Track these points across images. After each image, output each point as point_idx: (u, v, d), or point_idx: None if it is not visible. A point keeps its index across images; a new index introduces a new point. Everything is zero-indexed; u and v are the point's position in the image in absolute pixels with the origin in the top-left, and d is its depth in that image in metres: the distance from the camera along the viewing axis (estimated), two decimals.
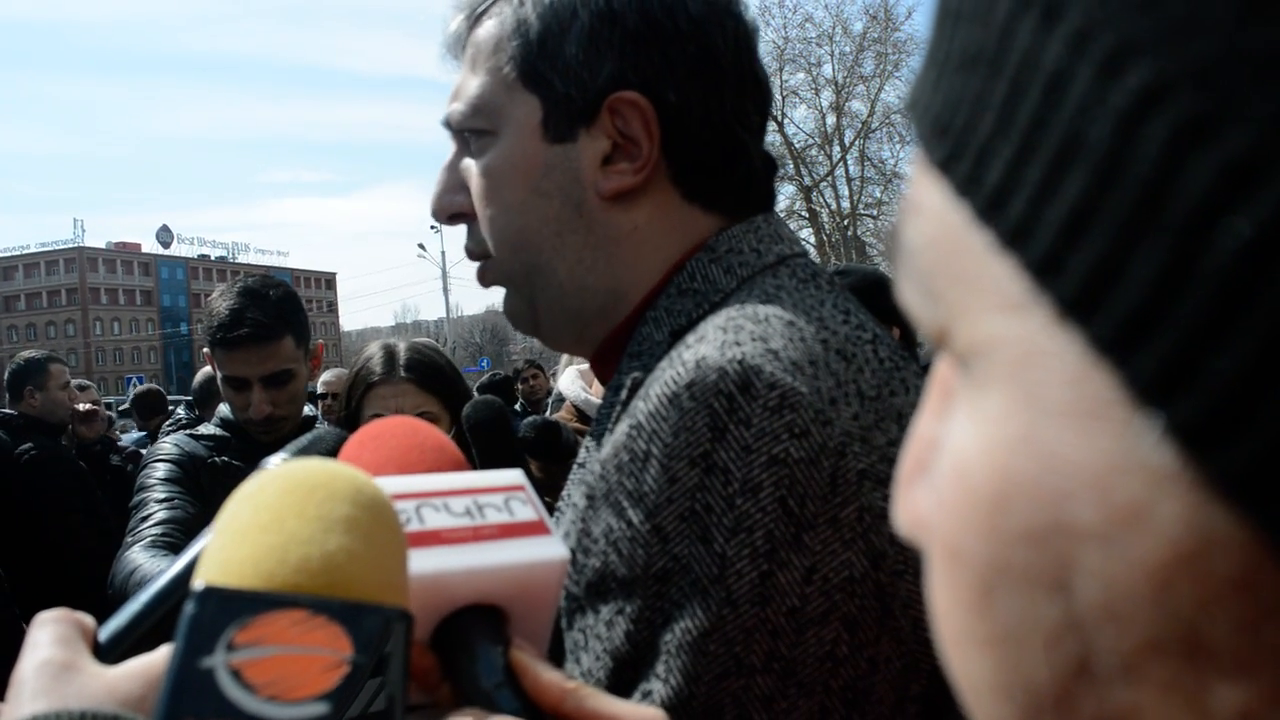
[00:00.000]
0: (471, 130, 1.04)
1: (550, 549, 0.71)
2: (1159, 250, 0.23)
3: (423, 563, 0.66)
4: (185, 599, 0.59)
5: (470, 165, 1.05)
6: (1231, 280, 0.22)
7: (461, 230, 1.13)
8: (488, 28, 1.03)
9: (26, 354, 5.64)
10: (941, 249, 0.29)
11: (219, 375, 2.65)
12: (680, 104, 0.98)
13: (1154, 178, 0.23)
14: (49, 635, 0.64)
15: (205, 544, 0.73)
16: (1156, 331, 0.23)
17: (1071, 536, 0.25)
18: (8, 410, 5.36)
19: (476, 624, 0.68)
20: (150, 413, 7.70)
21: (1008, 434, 0.27)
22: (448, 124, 1.07)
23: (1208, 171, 0.22)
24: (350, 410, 2.48)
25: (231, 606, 0.54)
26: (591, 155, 0.99)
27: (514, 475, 0.75)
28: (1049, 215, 0.25)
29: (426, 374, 2.50)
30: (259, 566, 0.56)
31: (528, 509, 0.73)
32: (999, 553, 0.27)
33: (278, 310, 2.61)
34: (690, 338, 0.88)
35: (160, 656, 0.63)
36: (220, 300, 2.63)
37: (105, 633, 0.70)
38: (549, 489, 2.54)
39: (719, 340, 0.84)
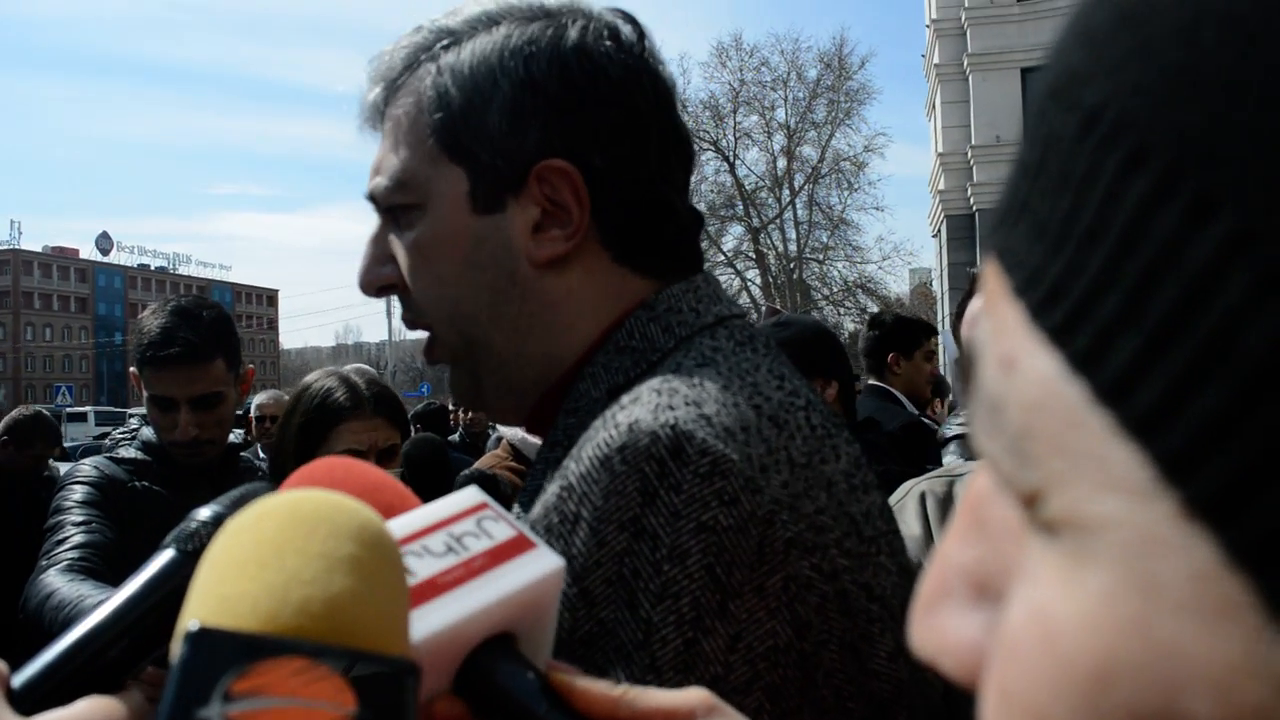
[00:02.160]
0: (398, 205, 1.03)
1: (546, 562, 0.69)
2: None
3: (436, 617, 0.63)
4: (109, 647, 0.56)
5: (398, 239, 1.04)
6: None
7: None
8: (406, 102, 1.02)
9: None
10: (1046, 417, 0.28)
11: (145, 395, 2.58)
12: (607, 168, 0.98)
13: None
14: None
15: (135, 590, 0.70)
16: None
17: None
18: None
19: (494, 657, 0.66)
20: (26, 442, 5.60)
21: (1116, 615, 0.26)
22: (372, 199, 1.05)
23: None
24: (308, 443, 2.36)
25: (229, 650, 0.50)
26: (522, 224, 0.99)
27: (473, 495, 0.73)
28: (1189, 415, 0.24)
29: (395, 407, 2.48)
30: (258, 606, 0.52)
31: (503, 527, 0.71)
32: None
33: (210, 331, 2.55)
34: (625, 398, 0.88)
35: (78, 710, 0.59)
36: (152, 319, 2.57)
37: (20, 679, 0.65)
38: None
39: (653, 403, 0.84)
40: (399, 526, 0.68)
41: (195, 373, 2.51)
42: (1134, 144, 0.25)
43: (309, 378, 2.54)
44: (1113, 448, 0.26)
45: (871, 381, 4.44)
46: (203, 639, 0.50)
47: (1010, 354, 0.30)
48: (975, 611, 0.33)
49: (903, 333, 4.45)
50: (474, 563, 0.67)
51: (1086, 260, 0.27)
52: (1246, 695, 0.24)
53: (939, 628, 0.34)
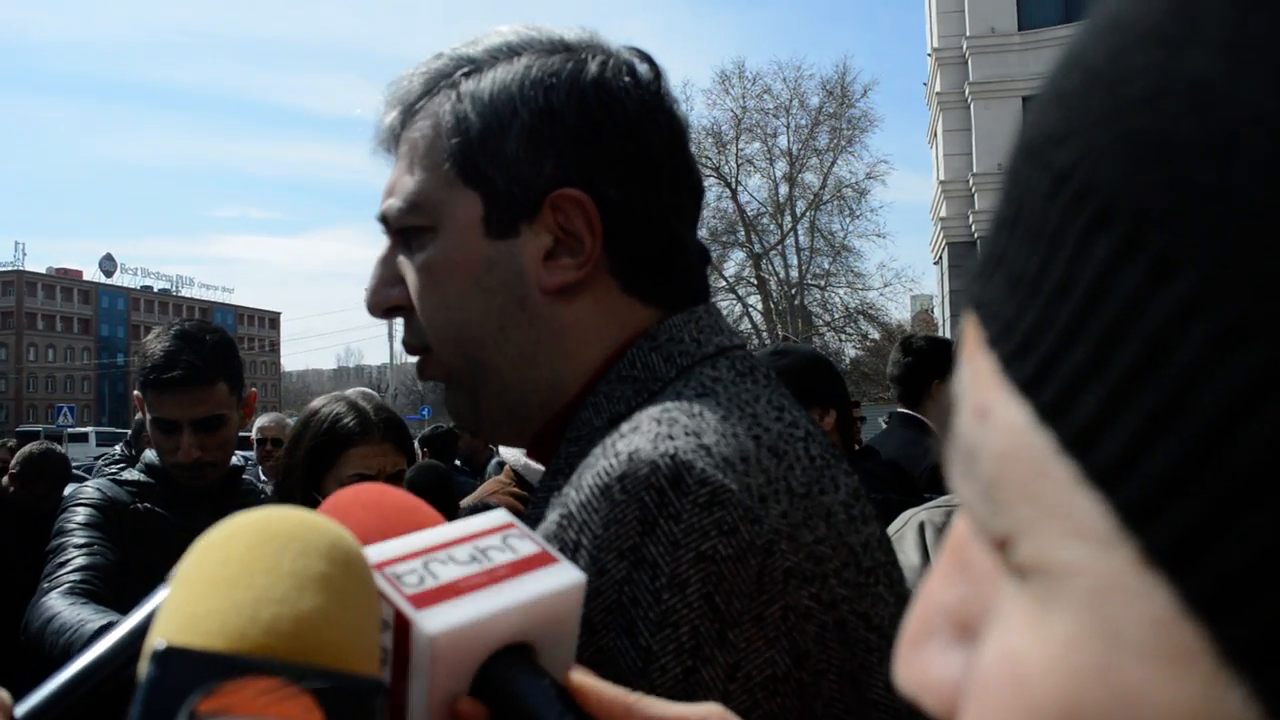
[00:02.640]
0: (410, 227, 1.04)
1: (567, 575, 0.71)
2: (1263, 528, 0.23)
3: (453, 617, 0.64)
4: (113, 678, 0.56)
5: (408, 260, 1.05)
6: None
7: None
8: (423, 126, 1.04)
9: None
10: (1013, 464, 0.29)
11: (148, 418, 2.60)
12: (620, 200, 0.99)
13: (1264, 460, 0.23)
14: None
15: (139, 621, 0.69)
16: (1254, 602, 0.23)
17: None
18: None
19: (511, 664, 0.67)
20: (29, 479, 5.42)
21: (1080, 661, 0.27)
22: (384, 220, 1.07)
23: None
24: (317, 468, 2.37)
25: (196, 670, 0.49)
26: (534, 251, 1.00)
27: (501, 515, 0.75)
28: (1146, 468, 0.25)
29: (402, 433, 2.49)
30: (226, 625, 0.51)
31: (527, 544, 0.72)
32: None
33: (213, 355, 2.58)
34: (625, 427, 0.89)
35: None
36: (155, 342, 2.59)
37: (23, 709, 0.65)
38: None
39: (652, 433, 0.85)
40: (427, 538, 0.70)
41: (198, 395, 2.53)
42: (1099, 205, 0.26)
43: (316, 403, 2.54)
44: (1077, 497, 0.27)
45: (903, 410, 4.13)
46: (169, 658, 0.50)
47: (984, 403, 0.30)
48: (956, 651, 0.34)
49: (944, 355, 4.01)
50: (497, 572, 0.69)
51: (1055, 315, 0.27)
52: None
53: (921, 665, 0.35)
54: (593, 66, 1.01)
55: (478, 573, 0.68)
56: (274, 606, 0.52)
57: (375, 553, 0.67)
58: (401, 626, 0.64)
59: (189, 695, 0.48)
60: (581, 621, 0.81)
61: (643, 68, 1.05)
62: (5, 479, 5.56)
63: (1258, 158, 0.24)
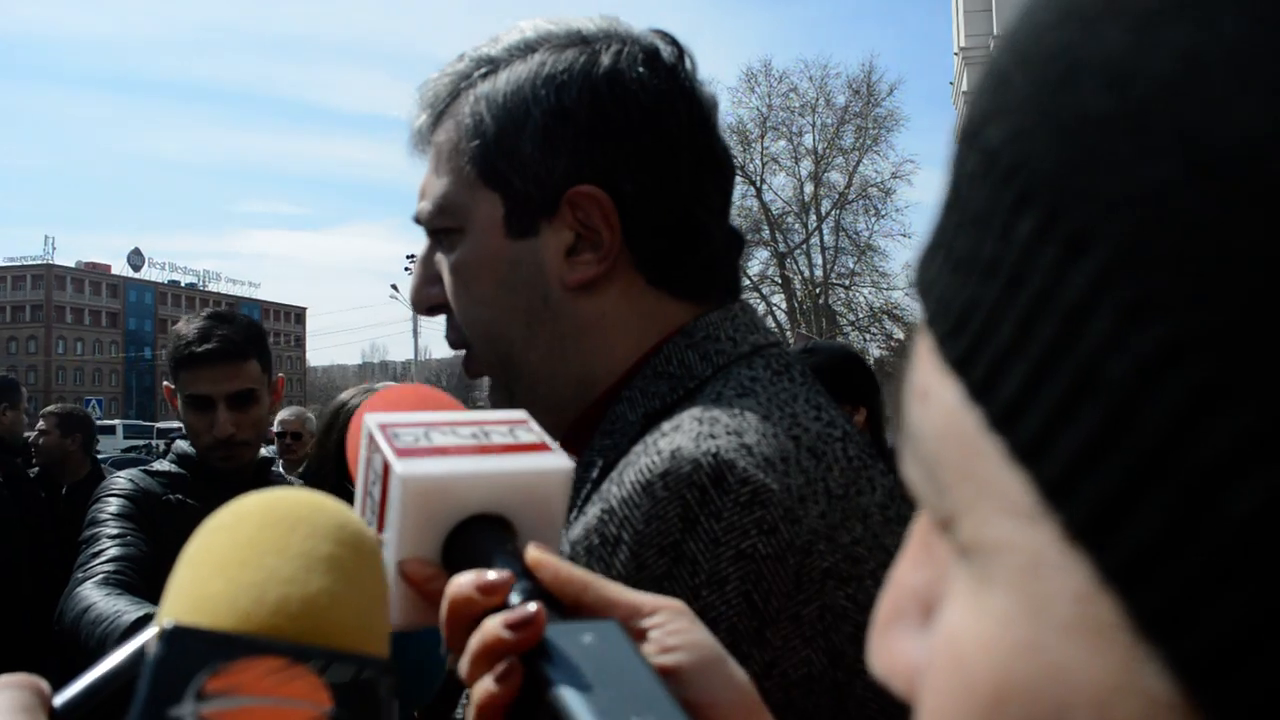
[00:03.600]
0: (441, 228, 1.07)
1: (553, 461, 0.73)
2: (1169, 498, 0.23)
3: (429, 468, 0.68)
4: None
5: (442, 260, 1.08)
6: (1238, 539, 0.23)
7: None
8: (448, 128, 1.05)
9: None
10: (951, 444, 0.30)
11: (180, 400, 2.63)
12: (637, 193, 1.00)
13: (1168, 431, 0.23)
14: (8, 702, 0.63)
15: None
16: (1162, 571, 0.24)
17: None
18: None
19: (485, 533, 0.69)
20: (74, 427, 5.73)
21: (1011, 637, 0.27)
22: (419, 221, 1.09)
23: (1221, 438, 0.23)
24: (337, 452, 2.38)
25: (203, 649, 0.49)
26: (555, 248, 1.01)
27: (519, 412, 0.77)
28: (1063, 441, 0.25)
29: None
30: (234, 605, 0.52)
31: (531, 434, 0.75)
32: None
33: (245, 333, 2.65)
34: (666, 425, 0.90)
35: None
36: (187, 324, 2.66)
37: (60, 701, 0.65)
38: None
39: (695, 432, 0.86)
40: (441, 415, 0.75)
41: (231, 370, 2.58)
42: (1023, 184, 0.27)
43: (343, 395, 2.56)
44: (1005, 474, 0.27)
45: None
46: (177, 637, 0.50)
47: (924, 384, 0.31)
48: (922, 634, 0.34)
49: None
50: (489, 448, 0.72)
51: (984, 294, 0.28)
52: (1122, 713, 0.25)
53: (890, 649, 0.35)
54: (606, 59, 1.01)
55: (471, 445, 0.72)
56: (282, 587, 0.52)
57: (385, 417, 0.72)
58: (387, 474, 0.69)
59: (196, 674, 0.48)
60: None
61: (666, 50, 1.04)
62: (36, 445, 5.67)
63: (1163, 131, 0.24)
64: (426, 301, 1.11)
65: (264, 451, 2.80)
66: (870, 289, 36.94)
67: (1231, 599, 0.23)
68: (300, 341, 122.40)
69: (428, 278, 1.10)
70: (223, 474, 2.60)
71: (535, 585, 0.65)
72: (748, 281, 34.83)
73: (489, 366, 1.08)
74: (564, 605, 0.65)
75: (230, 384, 2.57)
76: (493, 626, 0.62)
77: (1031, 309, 0.26)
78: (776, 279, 36.67)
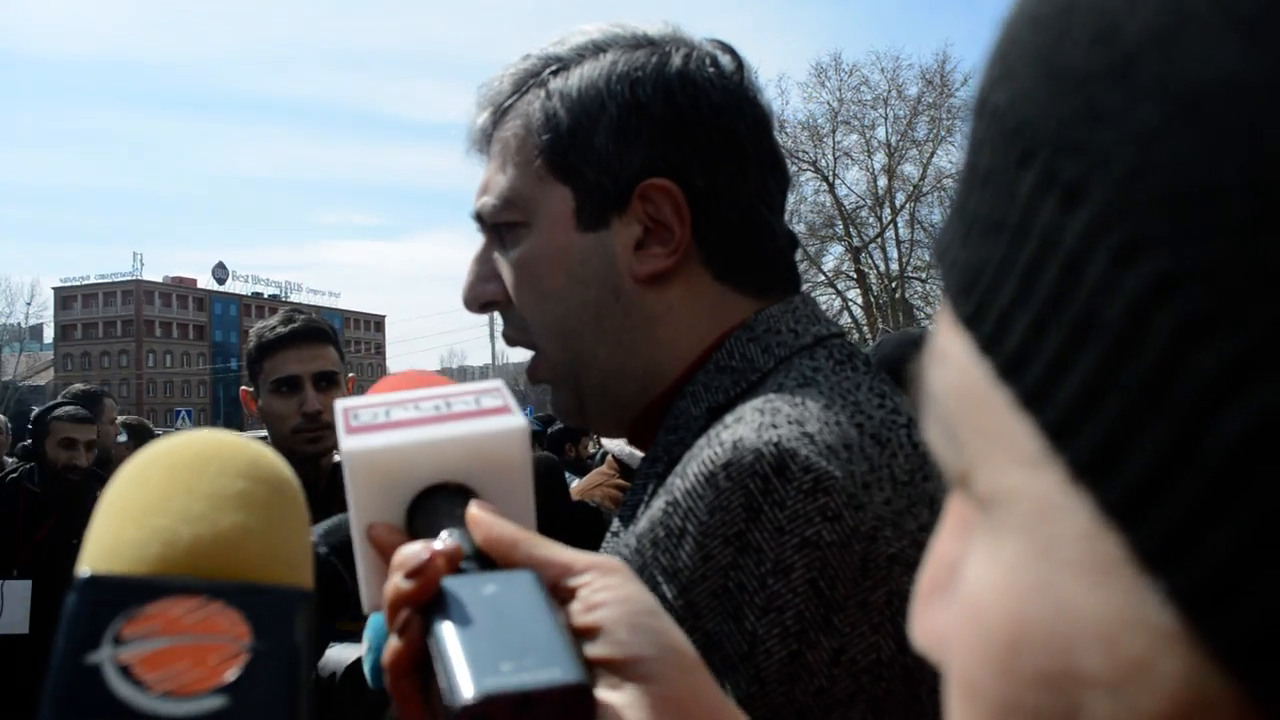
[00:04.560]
0: (504, 223, 1.07)
1: (507, 421, 0.71)
2: (1163, 429, 0.24)
3: (373, 441, 0.68)
4: None
5: (503, 256, 1.09)
6: (1230, 465, 0.23)
7: None
8: (513, 124, 1.07)
9: (81, 386, 5.76)
10: (964, 400, 0.31)
11: (265, 390, 2.72)
12: (708, 188, 1.01)
13: (1160, 364, 0.24)
14: None
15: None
16: (1160, 503, 0.24)
17: (1080, 683, 0.27)
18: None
19: (444, 501, 0.69)
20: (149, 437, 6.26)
21: (1023, 582, 0.28)
22: (479, 218, 1.10)
23: (1209, 365, 0.23)
24: None
25: (117, 595, 0.50)
26: (625, 241, 1.02)
27: (493, 381, 0.77)
28: (1064, 384, 0.26)
29: None
30: (146, 550, 0.52)
31: (495, 399, 0.73)
32: (1011, 692, 0.29)
33: (322, 322, 2.85)
34: (728, 418, 0.90)
35: None
36: (265, 322, 2.82)
37: None
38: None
39: (756, 422, 0.86)
40: (408, 394, 0.74)
41: (317, 350, 2.72)
42: (1025, 142, 0.28)
43: None
44: (1013, 423, 0.28)
45: None
46: (91, 586, 0.50)
47: (942, 345, 0.32)
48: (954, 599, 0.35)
49: None
50: (444, 417, 0.71)
51: (991, 252, 0.29)
52: (1130, 648, 0.25)
53: (929, 620, 0.36)
54: (676, 59, 1.03)
55: (428, 416, 0.71)
56: (193, 526, 0.53)
57: (354, 400, 0.72)
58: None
59: (112, 620, 0.49)
60: (688, 606, 0.83)
61: (725, 59, 1.07)
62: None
63: (1148, 79, 0.25)
64: (481, 298, 1.12)
65: (337, 456, 2.86)
66: None
67: (1227, 527, 0.23)
68: (380, 349, 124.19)
69: (482, 274, 1.11)
70: (301, 475, 2.64)
71: (473, 546, 0.65)
72: (822, 277, 34.64)
73: (556, 365, 1.09)
74: (496, 565, 0.65)
75: (316, 363, 2.70)
76: (393, 578, 0.62)
77: (1034, 261, 0.27)
78: (851, 274, 36.34)
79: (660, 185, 1.00)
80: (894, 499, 0.85)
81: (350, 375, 2.91)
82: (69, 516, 4.61)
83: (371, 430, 0.69)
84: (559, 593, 0.63)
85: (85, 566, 0.52)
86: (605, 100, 1.02)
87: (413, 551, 0.63)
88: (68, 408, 4.77)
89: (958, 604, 0.32)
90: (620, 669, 0.60)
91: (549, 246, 1.05)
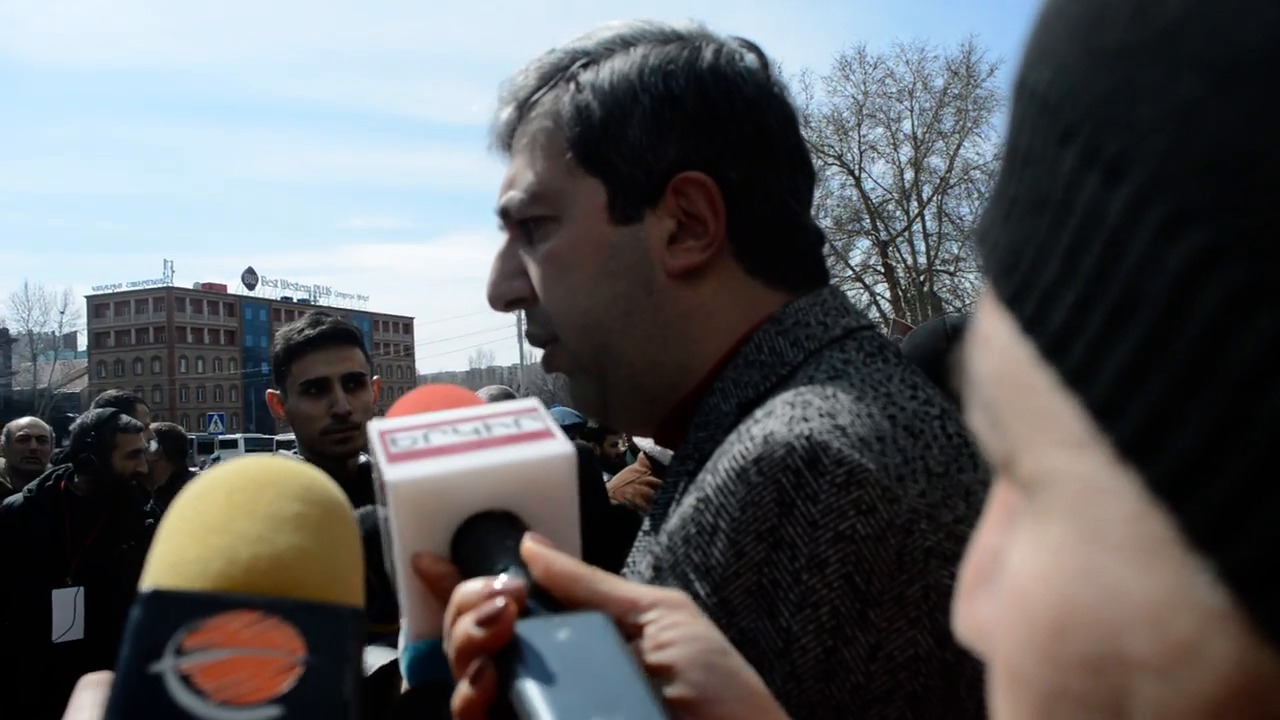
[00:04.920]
0: (531, 218, 1.06)
1: (553, 447, 0.70)
2: (1212, 406, 0.24)
3: (417, 470, 0.67)
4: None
5: (529, 252, 1.07)
6: None
7: None
8: (541, 118, 1.05)
9: (114, 392, 5.81)
10: (1007, 383, 0.30)
11: (294, 392, 2.73)
12: (741, 181, 1.00)
13: (1207, 339, 0.24)
14: (92, 699, 0.64)
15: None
16: (1209, 481, 0.24)
17: (1128, 667, 0.26)
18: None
19: (492, 530, 0.68)
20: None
21: (1068, 565, 0.28)
22: (505, 213, 1.09)
23: (1258, 337, 0.23)
24: None
25: (180, 609, 0.53)
26: (658, 234, 1.01)
27: (530, 401, 0.76)
28: (1109, 362, 0.26)
29: None
30: (208, 567, 0.55)
31: (536, 423, 0.73)
32: (1057, 678, 0.28)
33: (348, 325, 2.86)
34: (759, 412, 0.89)
35: None
36: (291, 325, 2.83)
37: None
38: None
39: (787, 416, 0.85)
40: (445, 415, 0.73)
41: (345, 351, 2.73)
42: (1066, 120, 0.28)
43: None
44: (1057, 404, 0.28)
45: None
46: (155, 600, 0.53)
47: (984, 329, 0.32)
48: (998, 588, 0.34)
49: None
50: (487, 442, 0.70)
51: (1033, 231, 0.29)
52: (1178, 629, 0.25)
53: (975, 612, 0.35)
54: (708, 53, 1.02)
55: (470, 441, 0.70)
56: (252, 546, 0.56)
57: (388, 423, 0.71)
58: (382, 480, 0.67)
59: (174, 632, 0.52)
60: (721, 603, 0.82)
61: (750, 57, 1.06)
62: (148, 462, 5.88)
63: (1188, 51, 0.25)
64: (506, 296, 1.10)
65: (363, 458, 2.87)
66: (976, 274, 36.13)
67: (1278, 504, 0.23)
68: (410, 351, 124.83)
69: (507, 271, 1.10)
70: (330, 475, 2.64)
71: (532, 582, 0.64)
72: (850, 272, 34.48)
73: (579, 359, 1.07)
74: (557, 600, 0.64)
75: (344, 365, 2.71)
76: (463, 624, 0.61)
77: (1077, 238, 0.27)
78: (879, 268, 36.18)
79: (695, 178, 0.99)
80: (929, 491, 0.84)
81: (375, 377, 2.91)
82: (119, 520, 4.67)
83: (414, 458, 0.68)
84: (624, 629, 0.62)
85: (150, 582, 0.55)
86: (638, 92, 1.01)
87: (475, 591, 0.62)
88: (125, 418, 4.80)
89: (1002, 592, 0.32)
90: (695, 710, 0.60)
91: (580, 240, 1.03)
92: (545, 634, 0.60)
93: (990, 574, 0.35)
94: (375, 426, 0.71)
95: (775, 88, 1.06)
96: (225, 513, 0.58)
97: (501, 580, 0.63)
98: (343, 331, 2.77)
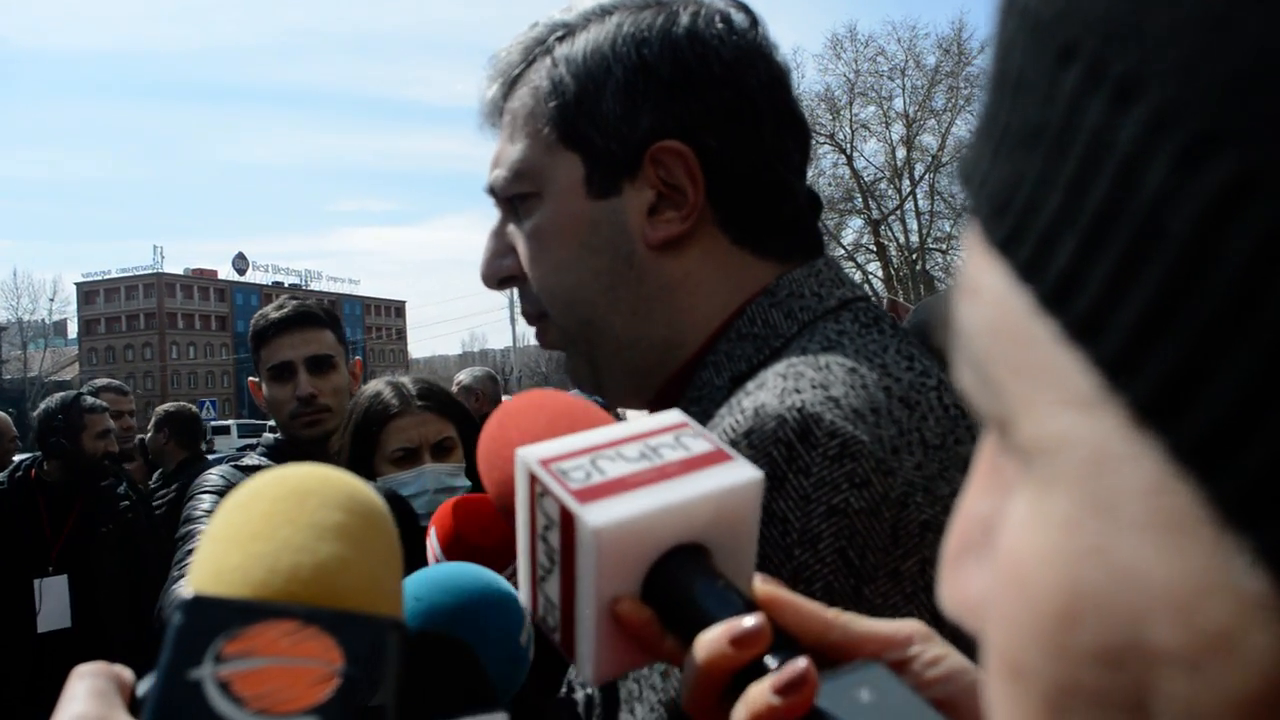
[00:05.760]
0: (516, 195, 1.05)
1: (741, 472, 0.66)
2: (1250, 359, 0.21)
3: (619, 511, 0.62)
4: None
5: (517, 229, 1.06)
6: None
7: None
8: (522, 95, 1.04)
9: (104, 380, 5.77)
10: (1001, 337, 0.27)
11: (264, 379, 2.73)
12: (720, 148, 0.98)
13: (1241, 283, 0.21)
14: (85, 688, 0.62)
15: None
16: (1247, 447, 0.21)
17: (1151, 659, 0.23)
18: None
19: (683, 565, 0.63)
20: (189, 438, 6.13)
21: (1077, 544, 0.25)
22: (492, 191, 1.08)
23: None
24: (360, 448, 2.38)
25: (221, 616, 0.53)
26: (637, 206, 1.00)
27: (675, 415, 0.72)
28: (1122, 310, 0.23)
29: (442, 401, 2.47)
30: (249, 575, 0.55)
31: (701, 442, 0.69)
32: (1068, 672, 0.26)
33: (318, 307, 2.81)
34: (750, 385, 0.87)
35: None
36: (261, 310, 2.84)
37: (144, 688, 0.68)
38: None
39: (779, 388, 0.83)
40: (596, 436, 0.68)
41: (309, 335, 2.71)
42: (1065, 36, 0.25)
43: (365, 386, 2.56)
44: (1061, 359, 0.25)
45: None
46: (196, 606, 0.53)
47: (973, 278, 0.29)
48: (991, 564, 0.31)
49: None
50: (667, 469, 0.66)
51: (1029, 165, 0.26)
52: (1209, 617, 0.22)
53: (960, 583, 0.33)
54: (684, 18, 1.00)
55: (647, 469, 0.65)
56: (294, 555, 0.56)
57: (543, 450, 0.66)
58: (567, 522, 0.62)
59: (215, 639, 0.52)
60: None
61: (738, 16, 1.03)
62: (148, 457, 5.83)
63: None
64: (498, 274, 1.10)
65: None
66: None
67: None
68: (402, 334, 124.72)
69: (499, 250, 1.09)
70: (311, 458, 2.60)
71: (775, 629, 0.59)
72: (842, 251, 34.49)
73: (569, 334, 1.06)
74: (802, 647, 0.58)
75: (308, 347, 2.69)
76: (759, 694, 0.54)
77: (1081, 171, 0.24)
78: (871, 247, 36.22)
79: (671, 147, 0.97)
80: (925, 463, 0.82)
81: (356, 359, 2.90)
82: (95, 504, 4.63)
83: (603, 495, 0.63)
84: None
85: (191, 587, 0.55)
86: (611, 64, 0.99)
87: (725, 644, 0.57)
88: (91, 398, 4.75)
89: (996, 569, 0.29)
90: None
91: (560, 216, 1.02)
92: (844, 696, 0.55)
93: (977, 544, 0.32)
94: (531, 456, 0.66)
95: (763, 48, 1.03)
96: (268, 520, 0.58)
97: (752, 622, 0.58)
98: (306, 314, 2.74)
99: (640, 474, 0.65)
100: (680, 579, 0.63)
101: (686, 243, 1.00)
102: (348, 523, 0.58)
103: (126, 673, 0.67)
